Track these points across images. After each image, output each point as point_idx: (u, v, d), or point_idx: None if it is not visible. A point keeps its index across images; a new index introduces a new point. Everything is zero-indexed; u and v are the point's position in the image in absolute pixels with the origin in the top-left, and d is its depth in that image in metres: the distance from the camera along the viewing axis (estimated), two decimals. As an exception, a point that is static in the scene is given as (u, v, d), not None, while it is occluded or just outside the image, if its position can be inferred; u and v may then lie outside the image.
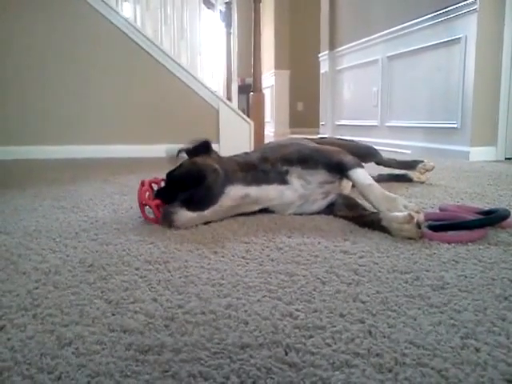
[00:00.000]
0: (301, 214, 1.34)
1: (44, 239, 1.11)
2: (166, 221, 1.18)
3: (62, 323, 0.65)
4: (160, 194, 1.24)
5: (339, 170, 1.32)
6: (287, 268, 0.87)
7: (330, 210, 1.35)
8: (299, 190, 1.33)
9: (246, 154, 1.42)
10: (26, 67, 3.44)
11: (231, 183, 1.24)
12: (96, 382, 0.51)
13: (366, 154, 1.80)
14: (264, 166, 1.32)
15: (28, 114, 3.48)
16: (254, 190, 1.28)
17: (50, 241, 1.10)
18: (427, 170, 1.92)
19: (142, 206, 1.27)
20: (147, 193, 1.26)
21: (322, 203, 1.36)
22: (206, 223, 1.21)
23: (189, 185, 1.21)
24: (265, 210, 1.34)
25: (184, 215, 1.17)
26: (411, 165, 1.97)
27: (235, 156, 1.39)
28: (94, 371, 0.53)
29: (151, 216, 1.26)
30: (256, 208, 1.32)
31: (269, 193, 1.30)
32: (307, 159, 1.33)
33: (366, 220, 1.18)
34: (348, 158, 1.33)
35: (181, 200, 1.18)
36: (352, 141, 1.99)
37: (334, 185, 1.37)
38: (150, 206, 1.25)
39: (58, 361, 0.55)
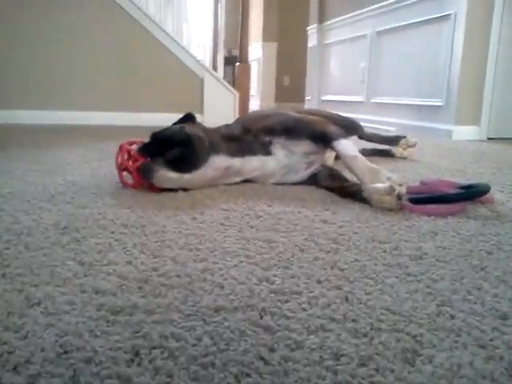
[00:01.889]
0: (283, 184, 1.32)
1: (18, 201, 1.08)
2: (146, 176, 1.16)
3: (31, 283, 0.63)
4: (143, 151, 1.20)
5: (324, 141, 1.30)
6: (266, 235, 0.86)
7: (312, 180, 1.34)
8: (283, 160, 1.31)
9: (227, 125, 1.39)
10: (10, 32, 3.31)
11: (216, 153, 1.22)
12: (64, 342, 0.49)
13: (348, 127, 1.79)
14: (247, 137, 1.30)
15: (9, 78, 3.36)
16: (237, 162, 1.26)
17: (24, 203, 1.07)
18: (409, 146, 1.92)
19: (120, 169, 1.24)
20: (126, 155, 1.23)
21: (304, 173, 1.35)
22: (185, 190, 1.19)
23: (174, 146, 1.18)
24: (247, 180, 1.32)
25: (165, 174, 1.15)
26: (394, 140, 1.96)
27: (217, 128, 1.36)
28: (63, 330, 0.51)
29: (130, 181, 1.23)
30: (238, 179, 1.30)
31: (252, 164, 1.29)
32: (291, 129, 1.31)
33: (348, 191, 1.17)
34: (332, 129, 1.32)
35: (165, 158, 1.15)
36: (336, 114, 1.98)
37: (318, 155, 1.35)
38: (128, 170, 1.22)
39: (26, 320, 0.54)
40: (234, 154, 1.25)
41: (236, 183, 1.30)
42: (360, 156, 1.21)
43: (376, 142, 1.98)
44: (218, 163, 1.23)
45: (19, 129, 2.95)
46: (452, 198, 1.07)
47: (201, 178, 1.21)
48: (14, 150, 1.95)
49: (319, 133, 1.31)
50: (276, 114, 1.43)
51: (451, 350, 0.49)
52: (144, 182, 1.19)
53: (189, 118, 1.35)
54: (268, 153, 1.30)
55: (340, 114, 1.99)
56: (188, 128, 1.25)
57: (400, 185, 1.07)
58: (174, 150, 1.17)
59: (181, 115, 1.37)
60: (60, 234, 0.85)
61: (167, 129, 1.26)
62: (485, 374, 0.45)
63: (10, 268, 0.68)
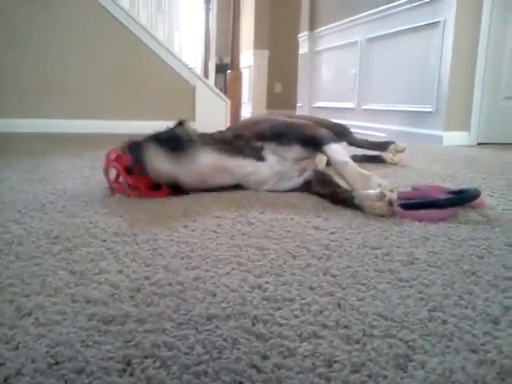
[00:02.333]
0: (276, 191, 1.32)
1: (9, 211, 1.07)
2: (139, 157, 1.19)
3: (22, 293, 0.63)
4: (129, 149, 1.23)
5: (314, 145, 1.31)
6: (258, 242, 0.86)
7: (305, 187, 1.34)
8: (275, 166, 1.32)
9: (221, 132, 1.40)
10: (4, 44, 3.30)
11: (207, 150, 1.24)
12: (55, 352, 0.49)
13: (338, 133, 1.80)
14: (239, 142, 1.31)
15: (4, 88, 3.34)
16: (229, 162, 1.27)
17: (14, 212, 1.06)
18: (398, 151, 1.93)
19: (108, 172, 1.24)
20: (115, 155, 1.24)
21: (298, 180, 1.35)
22: (178, 191, 1.19)
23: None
24: (240, 187, 1.32)
25: (157, 156, 1.18)
26: (383, 146, 1.98)
27: (209, 133, 1.37)
28: (54, 341, 0.51)
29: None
30: (231, 181, 1.30)
31: (244, 167, 1.29)
32: (281, 134, 1.32)
33: (339, 197, 1.18)
34: (322, 132, 1.32)
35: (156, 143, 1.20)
36: (326, 119, 1.99)
37: (309, 161, 1.36)
38: (117, 170, 1.22)
39: (16, 331, 0.53)
40: (225, 154, 1.26)
41: (229, 190, 1.30)
42: (351, 162, 1.22)
43: (365, 147, 1.99)
44: (209, 159, 1.24)
45: (13, 137, 2.93)
46: (443, 204, 1.08)
47: (193, 173, 1.22)
48: (7, 158, 1.94)
49: (309, 137, 1.31)
50: (267, 119, 1.44)
51: (443, 355, 0.49)
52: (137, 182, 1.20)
53: (181, 125, 1.35)
54: (260, 158, 1.31)
55: (330, 120, 2.01)
56: (177, 129, 1.28)
57: (391, 191, 1.07)
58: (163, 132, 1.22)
59: (172, 122, 1.38)
60: (51, 244, 0.84)
61: (159, 133, 1.28)
62: (477, 379, 0.45)
63: (0, 278, 0.68)
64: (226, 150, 1.27)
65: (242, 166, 1.28)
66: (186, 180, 1.22)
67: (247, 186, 1.33)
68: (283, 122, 1.40)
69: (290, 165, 1.33)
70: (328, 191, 1.24)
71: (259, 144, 1.31)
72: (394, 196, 1.07)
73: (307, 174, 1.35)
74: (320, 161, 1.47)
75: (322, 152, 1.29)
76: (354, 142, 1.94)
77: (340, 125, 1.95)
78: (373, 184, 1.13)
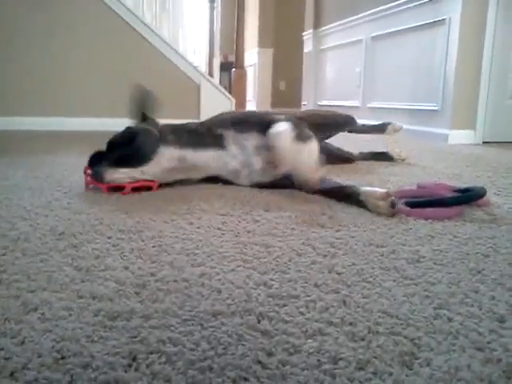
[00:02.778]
0: (261, 187, 1.32)
1: (15, 207, 1.08)
2: (98, 180, 1.24)
3: (28, 289, 0.63)
4: (91, 161, 1.27)
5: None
6: (263, 239, 0.86)
7: (289, 181, 1.29)
8: (238, 156, 1.33)
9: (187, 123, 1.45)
10: (8, 42, 3.31)
11: (165, 144, 1.27)
12: (61, 347, 0.49)
13: (338, 123, 1.80)
14: (200, 130, 1.34)
15: (8, 85, 3.35)
16: (190, 154, 1.29)
17: (20, 209, 1.06)
18: (395, 131, 1.94)
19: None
20: None
21: (274, 173, 1.31)
22: (181, 196, 1.19)
23: (122, 146, 1.26)
24: (229, 183, 1.35)
25: (112, 171, 1.22)
26: (381, 128, 1.97)
27: (172, 124, 1.41)
28: (60, 336, 0.51)
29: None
30: (198, 175, 1.34)
31: (207, 158, 1.31)
32: (240, 121, 1.34)
33: (345, 193, 1.16)
34: (282, 118, 1.32)
35: (110, 160, 1.23)
36: (330, 111, 1.99)
37: (271, 151, 1.32)
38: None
39: (23, 326, 0.53)
40: (184, 145, 1.29)
41: (216, 182, 1.35)
42: (286, 132, 1.23)
43: (366, 132, 2.01)
44: (170, 153, 1.27)
45: (18, 135, 2.94)
46: (449, 202, 1.07)
47: (157, 169, 1.26)
48: (13, 156, 1.95)
49: (267, 122, 1.31)
50: (241, 111, 1.47)
51: (449, 353, 0.49)
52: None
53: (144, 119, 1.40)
54: (221, 147, 1.33)
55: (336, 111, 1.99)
56: (136, 125, 1.33)
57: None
58: (115, 151, 1.25)
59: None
60: (57, 240, 0.84)
61: (117, 133, 1.32)
62: (482, 377, 0.45)
63: (6, 274, 0.68)
64: (185, 142, 1.30)
65: (205, 157, 1.30)
66: (156, 177, 1.27)
67: (224, 178, 1.35)
68: (246, 112, 1.41)
69: (250, 153, 1.33)
70: (329, 187, 1.22)
71: (219, 131, 1.33)
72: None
73: (284, 168, 1.30)
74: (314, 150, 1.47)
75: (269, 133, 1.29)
76: (353, 130, 1.93)
77: (341, 115, 1.92)
78: (303, 157, 1.16)
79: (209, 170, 1.33)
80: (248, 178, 1.35)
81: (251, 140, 1.32)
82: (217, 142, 1.32)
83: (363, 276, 0.69)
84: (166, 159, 1.26)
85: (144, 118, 1.39)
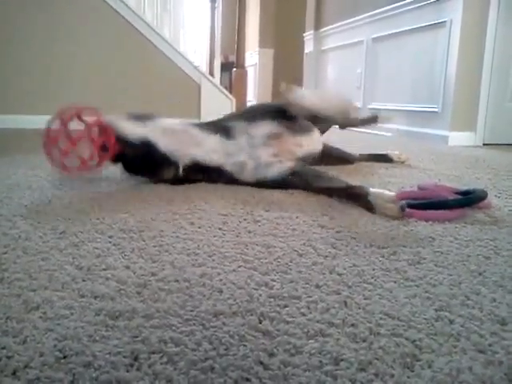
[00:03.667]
0: (266, 186, 1.31)
1: (15, 206, 1.08)
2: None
3: (29, 287, 0.63)
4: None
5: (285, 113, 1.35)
6: (264, 240, 0.86)
7: (296, 178, 1.30)
8: (245, 146, 1.33)
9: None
10: (6, 39, 3.30)
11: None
12: (63, 346, 0.49)
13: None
14: (213, 123, 1.39)
15: (6, 83, 3.35)
16: (195, 131, 1.33)
17: (21, 207, 1.06)
18: (386, 119, 2.00)
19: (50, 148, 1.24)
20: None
21: (279, 168, 1.32)
22: (183, 196, 1.19)
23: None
24: (231, 182, 1.34)
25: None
26: (371, 120, 1.98)
27: None
28: (62, 335, 0.51)
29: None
30: (199, 153, 1.31)
31: (211, 141, 1.32)
32: (254, 110, 1.36)
33: (352, 192, 1.15)
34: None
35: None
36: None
37: (281, 141, 1.35)
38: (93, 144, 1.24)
39: (24, 324, 0.53)
40: (193, 128, 1.34)
41: (215, 181, 1.35)
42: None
43: (357, 125, 2.08)
44: (178, 126, 1.32)
45: (19, 133, 2.94)
46: (451, 204, 1.07)
47: (163, 130, 1.28)
48: (11, 154, 1.95)
49: (283, 106, 1.35)
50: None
51: (450, 355, 0.49)
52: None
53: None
54: (229, 136, 1.34)
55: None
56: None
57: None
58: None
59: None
60: (58, 239, 0.84)
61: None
62: (484, 379, 0.45)
63: (7, 272, 0.68)
64: (194, 127, 1.34)
65: (209, 140, 1.32)
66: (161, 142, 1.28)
67: (229, 170, 1.33)
68: (265, 103, 1.44)
69: (259, 142, 1.33)
70: (339, 186, 1.21)
71: (230, 124, 1.35)
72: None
73: (290, 164, 1.33)
74: (313, 140, 1.48)
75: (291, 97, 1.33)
76: (346, 124, 1.92)
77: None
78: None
79: (210, 154, 1.32)
80: (253, 173, 1.32)
81: (262, 128, 1.34)
82: (225, 132, 1.33)
83: (364, 277, 0.69)
84: (169, 122, 1.30)
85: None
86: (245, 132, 1.33)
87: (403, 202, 1.04)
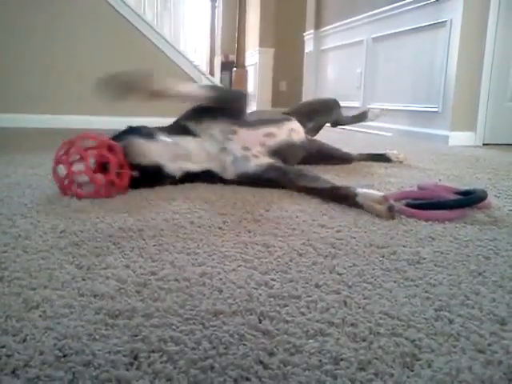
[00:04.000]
0: (248, 182, 1.32)
1: (15, 205, 1.08)
2: None
3: (29, 286, 0.63)
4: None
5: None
6: (264, 239, 0.86)
7: (275, 173, 1.32)
8: (213, 144, 1.34)
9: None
10: (6, 40, 3.31)
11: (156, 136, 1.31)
12: (63, 345, 0.49)
13: (318, 111, 1.85)
14: (175, 124, 1.40)
15: (6, 82, 3.35)
16: (179, 140, 1.32)
17: (21, 206, 1.06)
18: (376, 116, 2.03)
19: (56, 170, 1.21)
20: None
21: (259, 162, 1.33)
22: (182, 195, 1.19)
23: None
24: (223, 181, 1.35)
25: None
26: (361, 116, 2.06)
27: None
28: (61, 334, 0.51)
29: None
30: (191, 165, 1.31)
31: (190, 144, 1.32)
32: (206, 110, 1.37)
33: (339, 193, 1.15)
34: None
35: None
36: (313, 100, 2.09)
37: (237, 135, 1.36)
38: (109, 163, 1.17)
39: (24, 323, 0.53)
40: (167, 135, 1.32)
41: (213, 181, 1.35)
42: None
43: (348, 123, 2.10)
44: (164, 140, 1.28)
45: (19, 133, 2.94)
46: (452, 204, 1.07)
47: (158, 149, 1.25)
48: (11, 153, 1.95)
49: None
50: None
51: (450, 355, 0.49)
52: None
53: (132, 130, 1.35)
54: (194, 135, 1.35)
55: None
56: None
57: None
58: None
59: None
60: (58, 238, 0.84)
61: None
62: (483, 379, 0.45)
63: (7, 271, 0.68)
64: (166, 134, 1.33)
65: (192, 144, 1.32)
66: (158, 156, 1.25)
67: (215, 170, 1.34)
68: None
69: (222, 139, 1.34)
70: (324, 186, 1.21)
71: (182, 123, 1.37)
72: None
73: (267, 159, 1.35)
74: (288, 130, 1.50)
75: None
76: (336, 122, 1.99)
77: (323, 103, 1.98)
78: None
79: (199, 158, 1.32)
80: (233, 169, 1.33)
81: (217, 124, 1.35)
82: (188, 132, 1.35)
83: (364, 277, 0.70)
84: (163, 143, 1.27)
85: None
86: (206, 131, 1.34)
87: (391, 202, 1.04)
